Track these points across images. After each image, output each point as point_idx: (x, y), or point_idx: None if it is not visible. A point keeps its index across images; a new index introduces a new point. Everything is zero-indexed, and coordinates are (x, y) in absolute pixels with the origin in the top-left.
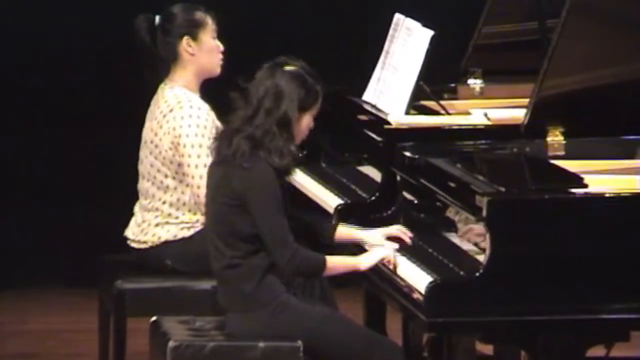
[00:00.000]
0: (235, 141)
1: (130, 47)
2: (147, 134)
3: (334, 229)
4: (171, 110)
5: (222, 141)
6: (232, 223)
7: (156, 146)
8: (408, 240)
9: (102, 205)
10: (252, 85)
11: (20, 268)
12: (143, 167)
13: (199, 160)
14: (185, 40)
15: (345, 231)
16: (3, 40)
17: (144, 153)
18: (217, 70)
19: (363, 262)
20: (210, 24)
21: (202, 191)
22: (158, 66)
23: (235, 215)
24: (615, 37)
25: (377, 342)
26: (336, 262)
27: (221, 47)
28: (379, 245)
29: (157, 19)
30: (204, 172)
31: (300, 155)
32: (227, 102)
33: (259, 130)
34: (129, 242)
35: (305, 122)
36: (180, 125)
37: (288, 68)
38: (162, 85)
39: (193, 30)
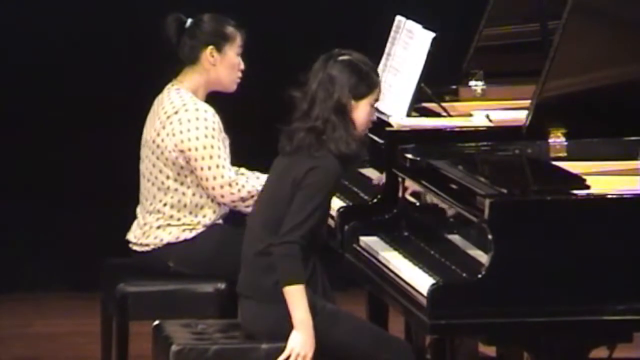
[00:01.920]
0: (298, 136)
1: (132, 50)
2: (148, 133)
3: None
4: (176, 112)
5: (286, 139)
6: (281, 210)
7: (158, 146)
8: None
9: (105, 209)
10: (308, 80)
11: (23, 271)
12: (144, 166)
13: (211, 162)
14: (210, 49)
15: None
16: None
17: (144, 152)
18: (233, 87)
19: (296, 331)
20: (238, 40)
21: (218, 192)
22: (174, 66)
23: (288, 204)
24: (616, 38)
25: (386, 341)
26: (299, 298)
27: (242, 66)
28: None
29: (189, 22)
30: (217, 172)
31: (367, 143)
32: (288, 101)
33: (319, 122)
34: (131, 245)
35: (363, 110)
36: (188, 128)
37: (340, 58)
38: (168, 86)
39: (220, 41)
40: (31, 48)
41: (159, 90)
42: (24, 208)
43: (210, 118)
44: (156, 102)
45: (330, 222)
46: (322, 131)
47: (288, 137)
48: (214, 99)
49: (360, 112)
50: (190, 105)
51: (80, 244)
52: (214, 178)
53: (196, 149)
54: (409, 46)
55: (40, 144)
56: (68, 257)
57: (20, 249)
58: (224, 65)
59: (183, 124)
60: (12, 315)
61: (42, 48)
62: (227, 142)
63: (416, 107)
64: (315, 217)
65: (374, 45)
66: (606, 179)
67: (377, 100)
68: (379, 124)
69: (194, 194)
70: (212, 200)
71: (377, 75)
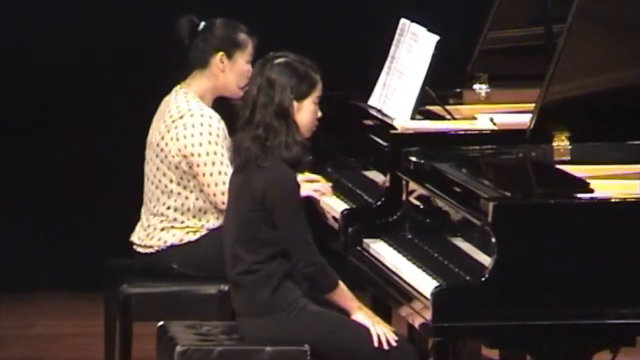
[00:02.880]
0: (244, 146)
1: (136, 51)
2: (154, 134)
3: None
4: (181, 117)
5: (234, 152)
6: (254, 227)
7: (162, 150)
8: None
9: (108, 210)
10: (247, 87)
11: (26, 272)
12: (148, 168)
13: (213, 168)
14: (220, 55)
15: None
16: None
17: (149, 154)
18: (240, 94)
19: (359, 313)
20: (249, 47)
21: (219, 198)
22: (183, 67)
23: (258, 219)
24: (621, 42)
25: (389, 346)
26: (345, 292)
27: (250, 73)
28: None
29: (202, 25)
30: (219, 179)
31: (309, 145)
32: (232, 113)
33: (260, 128)
34: (134, 247)
35: (307, 110)
36: (192, 134)
37: (277, 60)
38: (176, 88)
39: (231, 48)
40: (34, 47)
41: (165, 89)
42: (26, 208)
43: (215, 124)
44: (163, 103)
45: (334, 224)
46: (265, 138)
47: (236, 150)
48: (222, 102)
49: (305, 112)
50: (196, 111)
51: (83, 245)
52: (216, 184)
53: (199, 155)
54: (413, 49)
55: (43, 144)
56: (71, 258)
57: (23, 250)
58: (233, 72)
59: (187, 129)
60: (15, 316)
61: (46, 47)
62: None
63: (420, 110)
64: (304, 215)
65: (378, 48)
66: (610, 182)
67: (319, 97)
68: (383, 127)
69: (197, 199)
70: (215, 206)
71: (316, 72)
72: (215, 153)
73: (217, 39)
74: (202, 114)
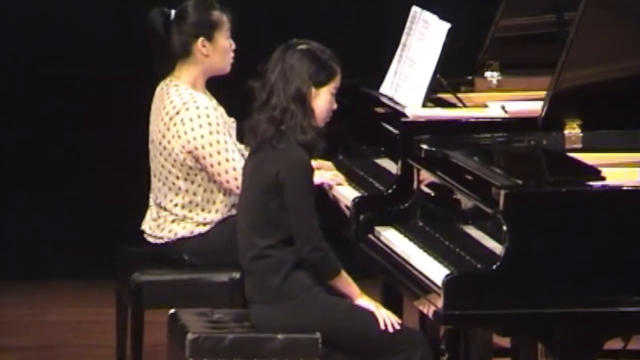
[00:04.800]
0: (260, 130)
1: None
2: (154, 133)
3: None
4: (178, 113)
5: (249, 134)
6: (267, 210)
7: (165, 148)
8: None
9: (120, 197)
10: (267, 70)
11: (38, 260)
12: (153, 165)
13: (220, 157)
14: (201, 41)
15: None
16: (16, 38)
17: (152, 151)
18: (228, 69)
19: (361, 299)
20: (225, 23)
21: (233, 184)
22: (169, 59)
23: (272, 202)
24: (633, 29)
25: (400, 331)
26: (347, 278)
27: (233, 46)
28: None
29: (172, 13)
30: (229, 165)
31: (325, 132)
32: (247, 92)
33: (277, 110)
34: (145, 236)
35: (323, 99)
36: (192, 128)
37: (299, 47)
38: (166, 82)
39: (209, 30)
40: (36, 41)
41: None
42: (39, 197)
43: (212, 113)
44: (156, 97)
45: (345, 212)
46: (281, 120)
47: (251, 132)
48: (224, 85)
49: (321, 100)
50: (191, 104)
51: (95, 233)
52: (226, 172)
53: (203, 147)
54: (424, 37)
55: (55, 132)
56: (83, 246)
57: (35, 238)
58: (216, 53)
59: (186, 124)
60: (27, 303)
61: (50, 40)
62: (234, 125)
63: (431, 98)
64: (313, 201)
65: (390, 36)
66: (622, 170)
67: (337, 88)
68: (395, 115)
69: (204, 190)
70: (220, 191)
71: (337, 63)
72: (218, 142)
73: (193, 26)
74: (197, 107)
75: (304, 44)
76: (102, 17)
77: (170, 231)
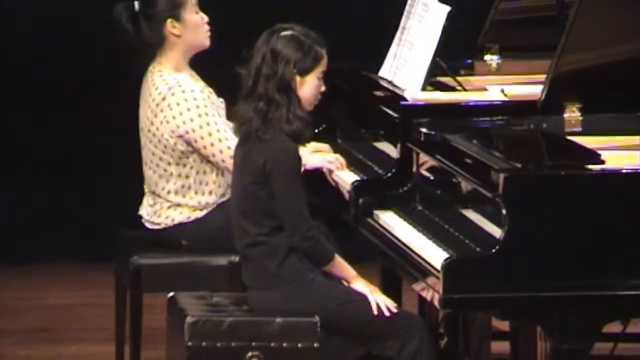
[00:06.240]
0: (246, 118)
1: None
2: (143, 121)
3: None
4: (164, 99)
5: (236, 123)
6: (257, 199)
7: (154, 135)
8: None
9: (120, 181)
10: (252, 56)
11: (37, 244)
12: (145, 154)
13: (212, 139)
14: (170, 23)
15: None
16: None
17: (143, 140)
18: (207, 43)
19: (357, 282)
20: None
21: (229, 162)
22: (143, 52)
23: (261, 191)
24: (633, 12)
25: (399, 315)
26: (341, 263)
27: (206, 19)
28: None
29: (137, 5)
30: (222, 145)
31: (311, 120)
32: (234, 79)
33: (263, 101)
34: (143, 221)
35: (310, 85)
36: (180, 112)
37: (284, 33)
38: (150, 69)
39: (175, 11)
40: (38, 32)
41: None
42: (37, 180)
43: (199, 96)
44: (144, 85)
45: (345, 195)
46: (267, 111)
47: (239, 121)
48: (216, 65)
49: (308, 87)
50: (176, 89)
51: (94, 216)
52: (221, 152)
53: (194, 131)
54: (424, 20)
55: (55, 117)
56: (82, 229)
57: (34, 221)
58: (189, 30)
59: (174, 109)
60: (26, 287)
61: (51, 30)
62: (223, 106)
63: (431, 82)
64: (302, 190)
65: (389, 19)
66: (621, 154)
67: (324, 72)
68: (394, 98)
69: (197, 173)
70: (213, 172)
71: (322, 46)
72: (208, 124)
73: (160, 12)
74: (183, 90)
75: (288, 29)
76: (103, 17)
77: (167, 217)
